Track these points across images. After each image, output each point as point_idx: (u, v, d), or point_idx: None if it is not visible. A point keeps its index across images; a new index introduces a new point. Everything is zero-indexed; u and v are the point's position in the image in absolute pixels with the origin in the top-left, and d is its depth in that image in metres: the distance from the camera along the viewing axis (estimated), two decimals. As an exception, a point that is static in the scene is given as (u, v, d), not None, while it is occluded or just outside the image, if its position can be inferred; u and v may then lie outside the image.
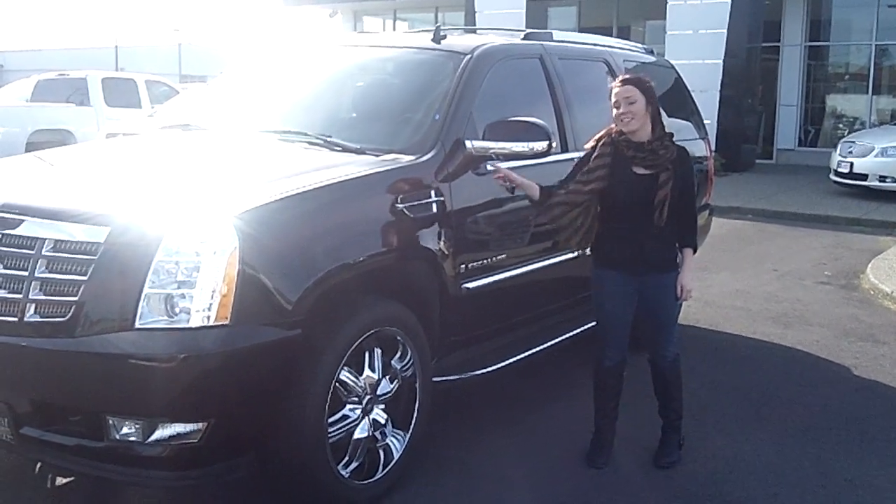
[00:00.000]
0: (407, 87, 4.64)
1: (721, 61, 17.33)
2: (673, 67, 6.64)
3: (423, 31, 5.25)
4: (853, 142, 14.19)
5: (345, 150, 3.97)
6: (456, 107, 4.16)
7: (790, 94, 19.70)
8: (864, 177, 13.70)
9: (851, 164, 13.76)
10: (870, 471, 4.12)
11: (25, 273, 3.12)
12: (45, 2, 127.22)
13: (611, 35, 20.44)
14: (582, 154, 4.10)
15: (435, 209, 3.85)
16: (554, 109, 4.83)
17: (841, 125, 19.33)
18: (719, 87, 17.31)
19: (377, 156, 3.90)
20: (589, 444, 4.16)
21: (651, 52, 6.45)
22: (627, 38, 22.17)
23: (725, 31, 17.26)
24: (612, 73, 5.40)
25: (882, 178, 13.51)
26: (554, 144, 4.10)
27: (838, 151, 14.23)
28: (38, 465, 3.77)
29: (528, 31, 5.29)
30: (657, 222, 3.83)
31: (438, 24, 4.76)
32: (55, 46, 50.60)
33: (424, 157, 3.93)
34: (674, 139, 3.98)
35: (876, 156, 13.61)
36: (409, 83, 4.65)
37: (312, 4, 26.14)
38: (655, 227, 3.83)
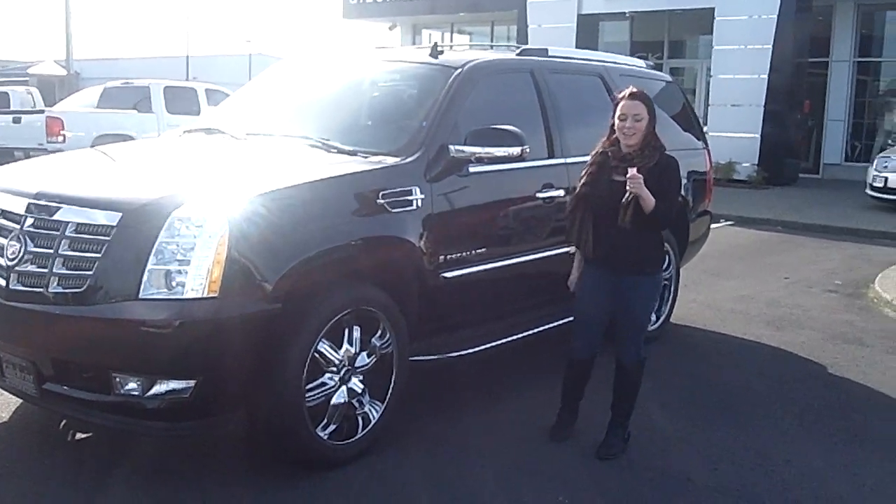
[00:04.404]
0: (402, 97, 5.16)
1: (766, 76, 17.51)
2: (673, 81, 7.00)
3: (423, 47, 5.74)
4: (889, 157, 14.29)
5: (340, 151, 4.48)
6: (442, 115, 4.63)
7: (838, 109, 19.73)
8: (898, 191, 13.81)
9: (886, 179, 13.88)
10: (808, 453, 4.47)
11: (51, 251, 3.70)
12: (121, 12, 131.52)
13: (662, 50, 20.85)
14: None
15: (415, 205, 4.31)
16: (543, 119, 5.28)
17: (890, 141, 19.24)
18: (764, 102, 17.51)
19: (366, 157, 4.40)
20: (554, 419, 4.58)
21: (651, 67, 6.83)
22: (680, 53, 22.40)
23: (771, 46, 17.44)
24: (607, 86, 5.83)
25: (916, 193, 13.56)
26: (528, 149, 4.54)
27: (874, 166, 14.33)
28: (63, 422, 4.38)
29: (524, 47, 5.75)
30: (620, 222, 4.13)
31: (435, 42, 5.25)
32: (130, 56, 52.45)
33: (409, 159, 4.41)
34: (664, 151, 4.22)
35: (910, 171, 13.69)
36: (405, 93, 5.17)
37: (369, 18, 26.78)
38: (627, 229, 4.10)
